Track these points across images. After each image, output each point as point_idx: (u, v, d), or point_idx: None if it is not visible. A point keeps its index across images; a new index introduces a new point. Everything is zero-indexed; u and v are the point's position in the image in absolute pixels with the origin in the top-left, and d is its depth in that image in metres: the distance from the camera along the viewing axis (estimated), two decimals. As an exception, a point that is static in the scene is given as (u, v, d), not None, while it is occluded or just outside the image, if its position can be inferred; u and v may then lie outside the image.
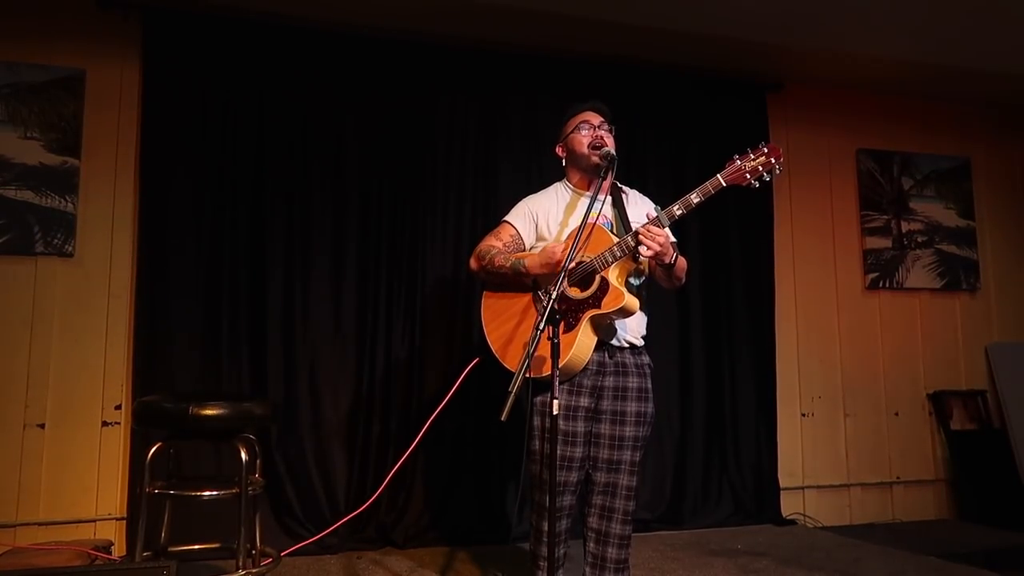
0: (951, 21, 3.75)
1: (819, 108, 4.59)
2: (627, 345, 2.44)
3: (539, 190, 2.65)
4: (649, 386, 2.46)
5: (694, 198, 2.29)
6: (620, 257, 2.29)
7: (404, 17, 3.68)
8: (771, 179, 2.32)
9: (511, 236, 2.54)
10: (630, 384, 2.41)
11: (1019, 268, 4.88)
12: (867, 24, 3.78)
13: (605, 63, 4.10)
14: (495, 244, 2.52)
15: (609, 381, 2.40)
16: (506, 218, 2.59)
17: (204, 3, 3.51)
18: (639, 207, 2.55)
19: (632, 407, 2.40)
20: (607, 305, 2.28)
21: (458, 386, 2.63)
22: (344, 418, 3.55)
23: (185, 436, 2.66)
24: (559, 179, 2.65)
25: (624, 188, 2.59)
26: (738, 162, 2.31)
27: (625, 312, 2.31)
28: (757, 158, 2.30)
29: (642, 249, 2.23)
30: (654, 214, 2.48)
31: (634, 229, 2.29)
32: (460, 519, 3.55)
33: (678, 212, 2.30)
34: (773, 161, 2.29)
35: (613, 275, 2.31)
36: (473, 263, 2.56)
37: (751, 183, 2.31)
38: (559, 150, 2.59)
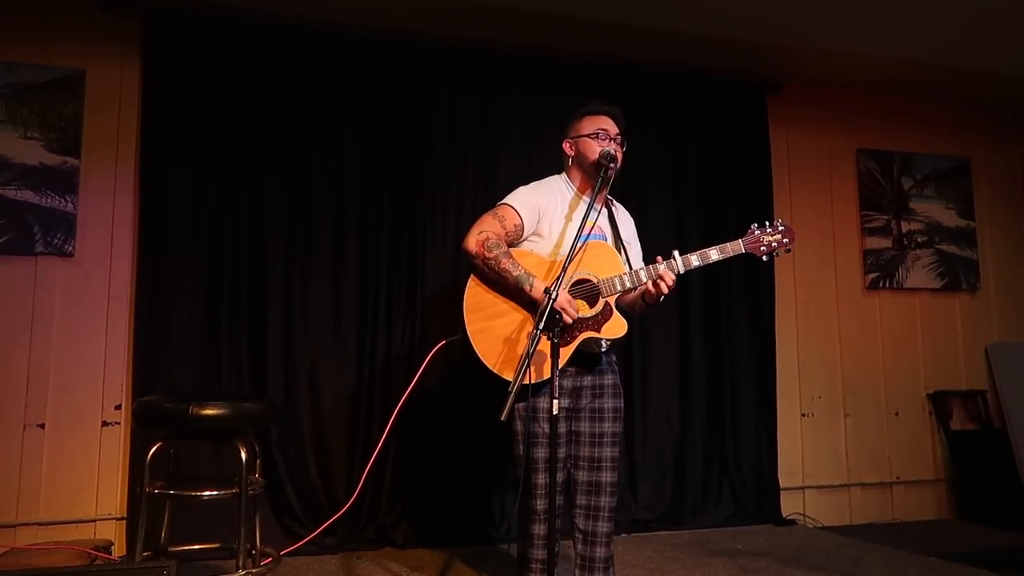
0: (951, 21, 3.75)
1: (819, 108, 4.59)
2: (599, 351, 2.48)
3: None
4: (619, 382, 2.50)
5: (713, 255, 2.40)
6: (630, 288, 2.33)
7: (404, 17, 3.68)
8: (779, 256, 2.49)
9: (515, 226, 2.43)
10: (606, 381, 2.45)
11: (1019, 268, 4.88)
12: (867, 24, 3.78)
13: (605, 63, 4.10)
14: (500, 232, 2.41)
15: (587, 380, 2.43)
16: (512, 204, 2.45)
17: (204, 3, 3.51)
18: (627, 225, 2.60)
19: (609, 403, 2.43)
20: (607, 331, 2.33)
21: (424, 369, 2.60)
22: (344, 417, 3.55)
23: (185, 436, 2.66)
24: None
25: (613, 201, 2.59)
26: (756, 232, 2.47)
27: (619, 339, 2.37)
28: (774, 235, 2.46)
29: (654, 289, 2.31)
30: (636, 235, 2.60)
31: (653, 271, 2.32)
32: (460, 520, 3.55)
33: (695, 263, 2.37)
34: (787, 242, 2.47)
35: (613, 301, 2.35)
36: (474, 246, 2.37)
37: (761, 256, 2.46)
38: (567, 147, 2.53)
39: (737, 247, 2.43)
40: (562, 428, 2.37)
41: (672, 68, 4.22)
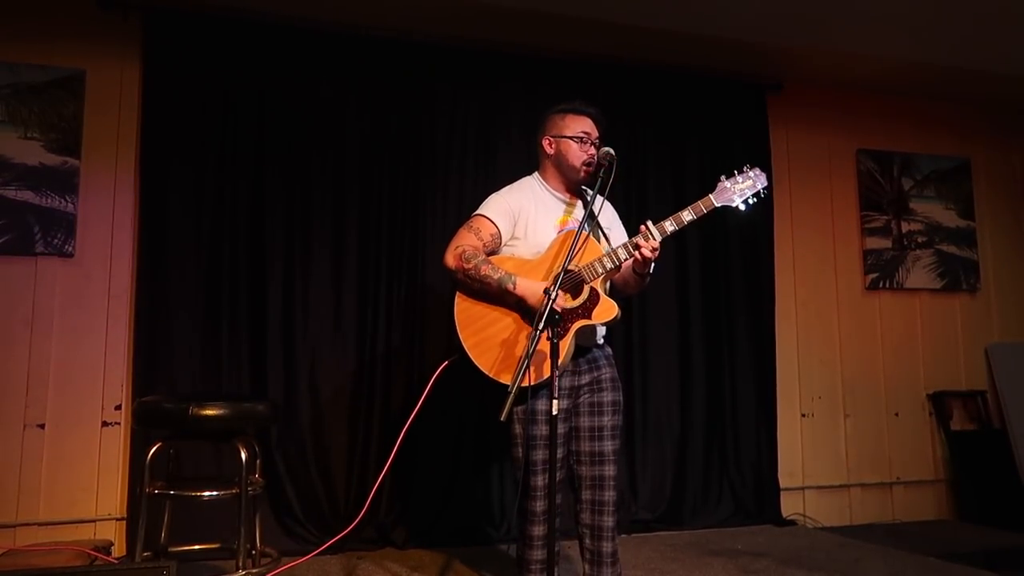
0: (952, 22, 3.75)
1: (819, 108, 4.59)
2: (597, 345, 2.48)
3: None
4: (617, 375, 2.50)
5: (686, 216, 2.36)
6: (610, 269, 2.31)
7: (404, 17, 3.68)
8: (756, 202, 2.44)
9: (491, 235, 2.42)
10: (603, 375, 2.45)
11: (1019, 268, 4.88)
12: (867, 24, 3.78)
13: (605, 63, 4.10)
14: (476, 244, 2.41)
15: (585, 379, 2.43)
16: (485, 213, 2.45)
17: (204, 3, 3.51)
18: (606, 213, 2.56)
19: (608, 397, 2.43)
20: (598, 316, 2.31)
21: (429, 391, 2.54)
22: (344, 417, 3.55)
23: (185, 436, 2.66)
24: None
25: (588, 192, 2.55)
26: (726, 183, 2.43)
27: (612, 322, 2.35)
28: (743, 181, 2.44)
29: (638, 255, 2.27)
30: (618, 221, 2.55)
31: (630, 241, 2.32)
32: (460, 520, 3.55)
33: (670, 228, 2.34)
34: (760, 187, 2.44)
35: (599, 285, 2.33)
36: (452, 261, 2.38)
37: (737, 206, 2.42)
38: (547, 144, 2.51)
39: (709, 203, 2.40)
40: (561, 429, 2.36)
41: (672, 68, 4.22)
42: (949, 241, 4.72)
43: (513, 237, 2.46)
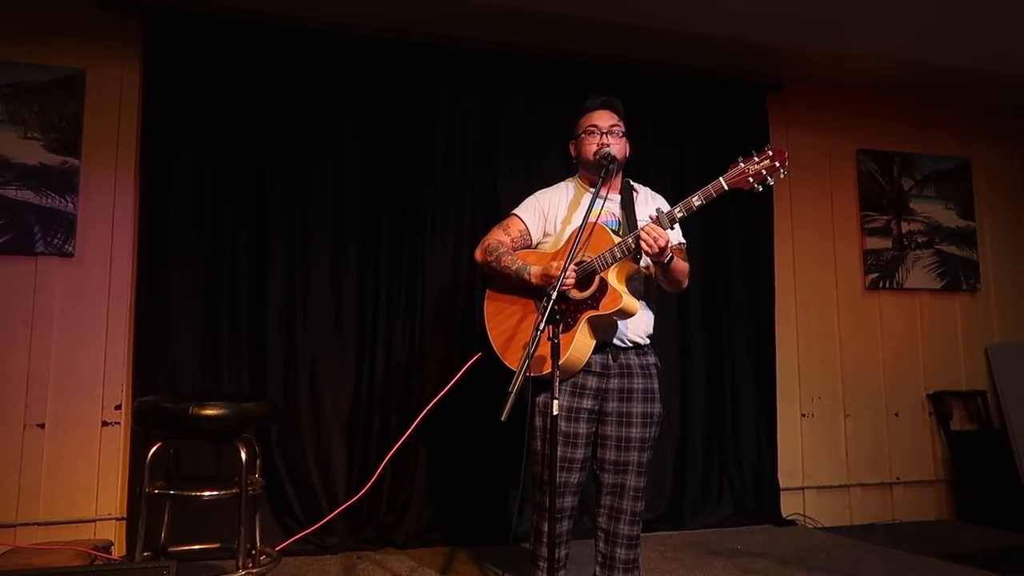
0: (952, 22, 3.75)
1: (819, 108, 4.58)
2: (631, 345, 2.43)
3: (539, 189, 2.64)
4: (655, 386, 2.44)
5: (695, 201, 2.26)
6: (620, 258, 2.28)
7: (404, 18, 3.68)
8: (775, 183, 2.29)
9: (519, 231, 2.55)
10: (635, 385, 2.40)
11: (1019, 268, 4.88)
12: (867, 24, 3.78)
13: (605, 63, 4.09)
14: (503, 239, 2.52)
15: (614, 383, 2.39)
16: (515, 211, 2.59)
17: (204, 3, 3.51)
18: (649, 205, 2.53)
19: (638, 408, 2.39)
20: (605, 306, 2.28)
21: (459, 378, 2.63)
22: (344, 418, 3.55)
23: (185, 436, 2.66)
24: (559, 178, 2.65)
25: (636, 186, 2.59)
26: (741, 165, 2.27)
27: (624, 313, 2.30)
28: (761, 161, 2.26)
29: (643, 246, 2.21)
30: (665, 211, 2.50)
31: (635, 231, 2.28)
32: (460, 519, 3.55)
33: (679, 214, 2.28)
34: (778, 165, 2.26)
35: (613, 276, 2.30)
36: (479, 254, 2.54)
37: (754, 187, 2.26)
38: (571, 148, 2.59)
39: (719, 186, 2.25)
40: (583, 429, 2.36)
41: (672, 68, 4.22)
42: (949, 241, 4.72)
43: (546, 234, 2.54)
